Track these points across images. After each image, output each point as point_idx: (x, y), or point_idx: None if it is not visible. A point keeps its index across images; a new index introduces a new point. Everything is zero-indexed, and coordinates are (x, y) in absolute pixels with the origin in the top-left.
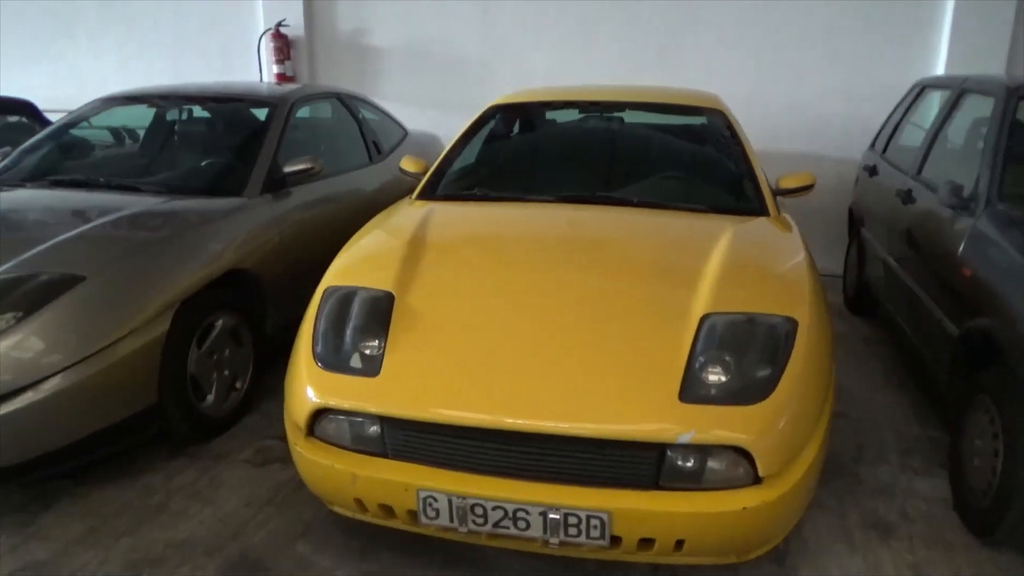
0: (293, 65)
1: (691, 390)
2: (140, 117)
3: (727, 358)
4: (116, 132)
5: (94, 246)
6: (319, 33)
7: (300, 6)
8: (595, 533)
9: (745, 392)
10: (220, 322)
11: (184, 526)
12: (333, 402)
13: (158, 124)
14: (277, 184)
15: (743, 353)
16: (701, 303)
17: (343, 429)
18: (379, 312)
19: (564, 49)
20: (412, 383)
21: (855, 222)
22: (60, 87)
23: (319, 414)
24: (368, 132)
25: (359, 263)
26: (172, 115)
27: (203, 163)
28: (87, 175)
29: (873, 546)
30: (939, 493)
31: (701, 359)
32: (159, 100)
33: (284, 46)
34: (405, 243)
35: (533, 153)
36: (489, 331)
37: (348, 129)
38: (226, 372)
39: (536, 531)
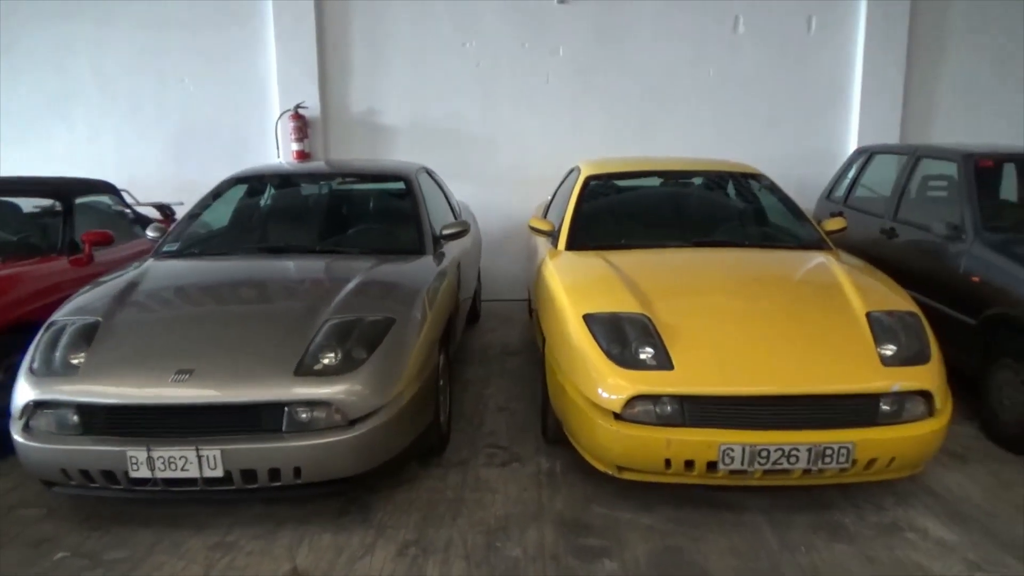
0: (310, 143)
1: (886, 358)
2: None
3: (897, 338)
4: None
5: (386, 295)
6: (333, 112)
7: (316, 89)
8: (842, 459)
9: (919, 355)
10: (441, 355)
11: (495, 509)
12: (646, 390)
13: (304, 197)
14: (437, 243)
15: (904, 335)
16: (860, 304)
17: (649, 410)
18: (638, 325)
19: (557, 125)
20: (704, 372)
21: None
22: (54, 167)
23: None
24: (450, 199)
25: (593, 296)
26: (309, 190)
27: (378, 228)
28: (282, 243)
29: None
30: (975, 432)
31: (881, 339)
32: (288, 177)
33: (303, 126)
34: (618, 279)
35: (637, 211)
36: (732, 333)
37: (440, 198)
38: (441, 397)
39: (803, 463)
